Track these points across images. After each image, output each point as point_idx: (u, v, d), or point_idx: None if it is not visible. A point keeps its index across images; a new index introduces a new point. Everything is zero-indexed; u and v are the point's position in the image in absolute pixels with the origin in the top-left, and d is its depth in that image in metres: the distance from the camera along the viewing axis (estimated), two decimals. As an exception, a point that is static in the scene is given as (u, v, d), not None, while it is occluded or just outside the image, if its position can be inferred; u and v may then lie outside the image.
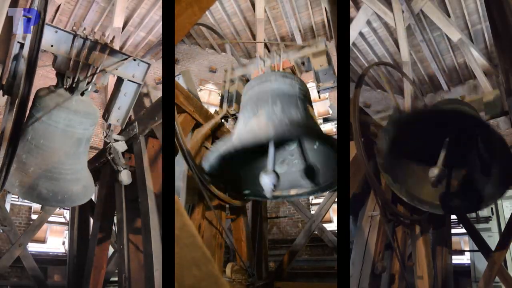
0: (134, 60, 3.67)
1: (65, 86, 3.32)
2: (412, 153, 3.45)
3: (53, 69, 3.31)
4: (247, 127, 3.07)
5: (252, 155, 3.33)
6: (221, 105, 4.23)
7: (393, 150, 3.31)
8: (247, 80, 4.20)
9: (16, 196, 9.51)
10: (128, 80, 3.68)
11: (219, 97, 4.33)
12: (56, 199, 3.25)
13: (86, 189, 3.60)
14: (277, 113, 2.98)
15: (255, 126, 2.97)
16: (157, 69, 11.95)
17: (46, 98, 3.22)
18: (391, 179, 3.49)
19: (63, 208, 9.00)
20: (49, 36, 3.14)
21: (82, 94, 3.41)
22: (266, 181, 2.79)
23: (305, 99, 3.36)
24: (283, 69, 3.75)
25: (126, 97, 3.75)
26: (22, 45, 2.87)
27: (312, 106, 3.50)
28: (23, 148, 3.05)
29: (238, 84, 4.22)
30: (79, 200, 3.53)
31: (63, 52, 3.26)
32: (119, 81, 3.71)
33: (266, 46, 11.48)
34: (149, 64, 3.76)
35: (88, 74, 3.28)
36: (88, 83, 3.40)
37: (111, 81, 4.12)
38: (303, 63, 3.93)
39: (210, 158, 3.09)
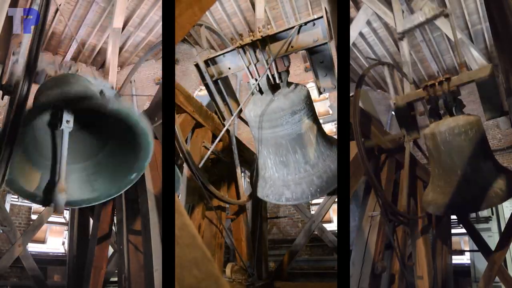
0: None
1: None
2: None
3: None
4: (281, 178, 3.84)
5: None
6: (217, 108, 4.14)
7: None
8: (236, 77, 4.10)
9: (16, 196, 9.52)
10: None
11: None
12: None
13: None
14: (301, 163, 3.71)
15: (291, 184, 3.77)
16: (157, 69, 11.95)
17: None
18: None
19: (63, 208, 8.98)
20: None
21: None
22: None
23: (312, 116, 3.73)
24: (279, 73, 3.55)
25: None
26: (22, 45, 2.87)
27: (315, 112, 3.80)
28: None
29: (224, 82, 4.06)
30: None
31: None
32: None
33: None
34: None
35: None
36: None
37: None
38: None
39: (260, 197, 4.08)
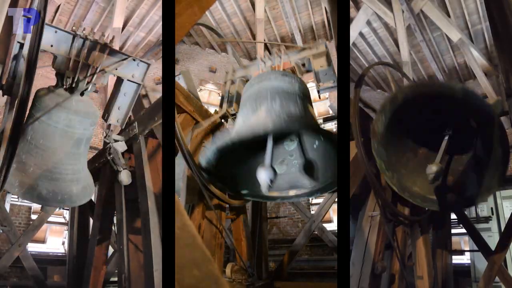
0: (134, 60, 3.67)
1: (65, 86, 3.32)
2: (408, 139, 3.30)
3: (53, 69, 3.30)
4: (246, 123, 2.99)
5: (251, 151, 3.22)
6: (221, 105, 4.24)
7: (388, 132, 3.10)
8: (247, 81, 4.21)
9: (16, 196, 9.51)
10: (128, 80, 3.68)
11: (219, 97, 4.35)
12: (56, 199, 3.25)
13: (86, 189, 3.59)
14: (275, 109, 2.90)
15: (254, 121, 2.87)
16: (157, 69, 11.95)
17: (45, 98, 3.22)
18: (383, 165, 3.23)
19: (63, 208, 9.00)
20: (49, 36, 3.13)
21: (82, 94, 3.40)
22: (262, 175, 2.64)
23: (305, 98, 3.33)
24: (284, 69, 3.78)
25: (125, 97, 3.75)
26: (22, 45, 2.88)
27: (312, 105, 3.48)
28: (22, 148, 3.04)
29: (238, 84, 4.23)
30: (79, 201, 3.53)
31: (62, 52, 3.25)
32: (119, 81, 3.70)
33: (266, 46, 11.48)
34: (149, 64, 3.75)
35: (88, 74, 3.28)
36: (87, 83, 3.40)
37: (111, 81, 4.12)
38: (303, 64, 3.96)
39: (208, 152, 2.98)
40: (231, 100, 4.19)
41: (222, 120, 4.20)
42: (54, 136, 3.24)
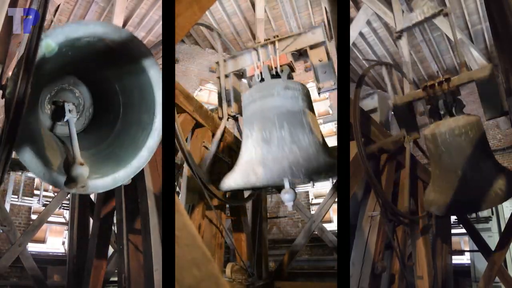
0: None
1: None
2: None
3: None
4: (259, 157, 3.23)
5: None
6: (220, 104, 4.21)
7: None
8: (242, 74, 4.18)
9: (16, 196, 9.52)
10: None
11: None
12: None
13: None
14: (286, 141, 3.14)
15: (270, 162, 3.13)
16: (157, 69, 11.91)
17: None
18: None
19: (63, 208, 8.99)
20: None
21: None
22: (287, 197, 3.05)
23: (309, 108, 3.40)
24: (281, 65, 3.72)
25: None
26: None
27: (313, 111, 3.57)
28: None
29: (233, 79, 4.19)
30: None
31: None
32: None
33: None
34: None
35: None
36: None
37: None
38: (300, 54, 3.88)
39: (227, 186, 3.44)
40: (229, 98, 4.17)
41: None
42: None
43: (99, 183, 2.49)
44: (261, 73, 3.77)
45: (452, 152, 3.64)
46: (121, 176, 2.62)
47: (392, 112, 4.43)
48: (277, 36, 3.94)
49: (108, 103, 2.82)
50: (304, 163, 3.04)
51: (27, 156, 2.16)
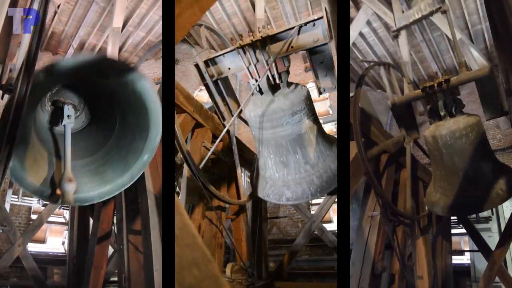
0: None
1: None
2: None
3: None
4: (282, 177, 3.86)
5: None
6: (216, 105, 4.10)
7: None
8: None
9: (16, 196, 9.52)
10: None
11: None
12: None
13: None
14: (301, 163, 3.72)
15: (292, 185, 3.79)
16: (157, 69, 11.95)
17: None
18: None
19: (63, 208, 9.00)
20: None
21: None
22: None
23: (312, 114, 3.71)
24: (279, 73, 3.52)
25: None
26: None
27: (314, 111, 3.77)
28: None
29: (223, 76, 3.91)
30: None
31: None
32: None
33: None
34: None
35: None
36: None
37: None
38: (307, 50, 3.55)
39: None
40: (226, 102, 4.09)
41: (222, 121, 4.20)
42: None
43: (83, 196, 2.51)
44: (259, 85, 3.59)
45: (454, 154, 3.63)
46: (107, 190, 2.63)
47: (391, 112, 4.42)
48: (261, 30, 3.44)
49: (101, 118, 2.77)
50: (317, 181, 3.68)
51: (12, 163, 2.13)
